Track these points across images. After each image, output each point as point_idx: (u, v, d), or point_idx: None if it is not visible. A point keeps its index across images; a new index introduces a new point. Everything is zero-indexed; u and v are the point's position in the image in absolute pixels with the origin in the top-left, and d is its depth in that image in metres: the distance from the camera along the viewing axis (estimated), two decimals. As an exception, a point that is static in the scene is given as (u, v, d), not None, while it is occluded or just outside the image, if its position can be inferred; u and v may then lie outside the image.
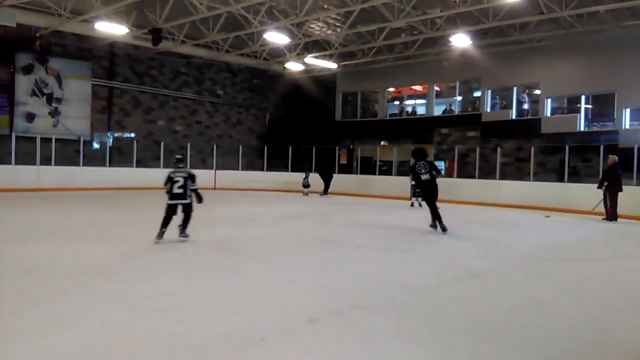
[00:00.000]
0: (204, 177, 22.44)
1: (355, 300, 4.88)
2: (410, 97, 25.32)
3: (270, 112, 27.69)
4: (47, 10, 16.93)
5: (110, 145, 21.54)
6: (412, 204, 16.14)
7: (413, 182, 16.50)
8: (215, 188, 22.04)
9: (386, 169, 21.80)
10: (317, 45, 21.62)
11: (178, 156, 8.62)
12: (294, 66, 23.71)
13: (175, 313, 4.33)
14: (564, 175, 17.00)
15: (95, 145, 21.20)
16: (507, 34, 18.66)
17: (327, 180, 20.16)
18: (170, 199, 8.03)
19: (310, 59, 22.41)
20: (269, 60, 23.72)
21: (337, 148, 23.21)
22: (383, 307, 4.79)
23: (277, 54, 22.86)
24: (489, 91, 21.78)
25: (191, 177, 8.14)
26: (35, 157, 18.27)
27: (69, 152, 19.67)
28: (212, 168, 22.77)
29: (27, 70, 19.09)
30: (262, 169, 23.89)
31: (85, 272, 5.74)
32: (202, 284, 5.40)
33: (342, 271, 6.35)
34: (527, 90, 20.93)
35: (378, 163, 22.05)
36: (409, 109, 25.12)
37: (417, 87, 24.77)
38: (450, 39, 18.38)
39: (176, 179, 8.03)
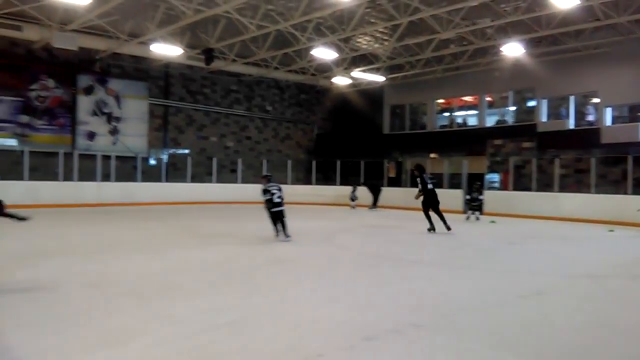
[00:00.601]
0: (253, 191, 22.80)
1: (412, 318, 4.75)
2: (460, 108, 24.85)
3: (318, 127, 27.91)
4: (106, 33, 17.86)
5: (166, 161, 22.31)
6: (467, 218, 15.72)
7: (468, 197, 16.13)
8: (282, 205, 22.29)
9: (437, 182, 21.33)
10: (364, 59, 21.66)
11: (268, 174, 11.30)
12: (341, 80, 23.85)
13: (232, 328, 4.36)
14: (626, 187, 16.08)
15: (152, 162, 22.01)
16: (562, 42, 18.03)
17: (375, 194, 20.00)
18: (273, 207, 10.08)
19: (357, 73, 22.47)
20: (316, 76, 23.98)
21: (385, 161, 23.01)
22: (442, 326, 4.64)
23: (325, 69, 23.07)
24: (545, 100, 21.04)
25: (280, 189, 10.30)
26: (96, 173, 19.18)
27: (128, 168, 20.52)
28: (262, 182, 23.04)
29: (88, 91, 20.16)
30: (311, 183, 24.02)
31: (146, 286, 5.91)
32: (257, 299, 5.43)
33: (397, 287, 6.22)
34: (589, 100, 20.05)
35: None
36: (460, 120, 24.64)
37: (468, 98, 24.28)
38: (502, 48, 17.95)
39: (273, 191, 10.15)
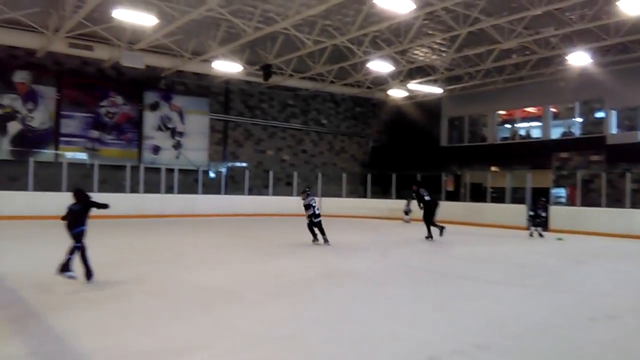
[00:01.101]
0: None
1: (477, 339, 4.57)
2: (523, 120, 23.96)
3: (373, 140, 27.80)
4: (171, 52, 18.70)
5: (225, 174, 22.94)
6: (530, 234, 15.05)
7: (532, 212, 15.47)
8: (321, 215, 22.37)
9: (498, 196, 20.62)
10: (421, 71, 21.41)
11: (307, 189, 12.53)
12: (397, 93, 23.69)
13: (290, 341, 4.36)
14: None
15: (212, 175, 22.69)
16: (632, 50, 17.04)
17: (432, 208, 19.53)
18: (316, 218, 11.54)
19: (414, 85, 22.23)
20: (372, 89, 23.96)
21: (443, 174, 22.52)
22: (508, 348, 4.43)
23: (380, 82, 23.01)
24: (614, 111, 19.92)
25: (315, 201, 11.81)
26: (160, 186, 20.00)
27: (189, 181, 21.25)
28: (317, 195, 23.23)
29: (154, 107, 21.13)
30: (365, 196, 23.89)
31: (208, 296, 6.04)
32: (314, 312, 5.41)
33: (458, 306, 6.02)
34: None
35: (489, 190, 20.97)
36: (522, 132, 23.77)
37: (531, 109, 23.40)
38: (567, 57, 17.20)
39: (312, 204, 11.59)
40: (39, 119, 18.47)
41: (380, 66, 18.70)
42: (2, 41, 16.86)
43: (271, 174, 22.71)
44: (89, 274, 6.61)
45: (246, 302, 5.84)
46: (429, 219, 13.37)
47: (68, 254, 6.51)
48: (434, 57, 19.63)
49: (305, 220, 11.76)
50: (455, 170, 24.69)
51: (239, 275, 7.71)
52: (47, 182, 17.71)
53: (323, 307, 5.69)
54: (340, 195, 23.54)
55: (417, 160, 24.06)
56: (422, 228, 17.99)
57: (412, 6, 12.50)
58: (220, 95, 22.86)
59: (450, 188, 23.43)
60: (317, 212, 11.56)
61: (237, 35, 16.39)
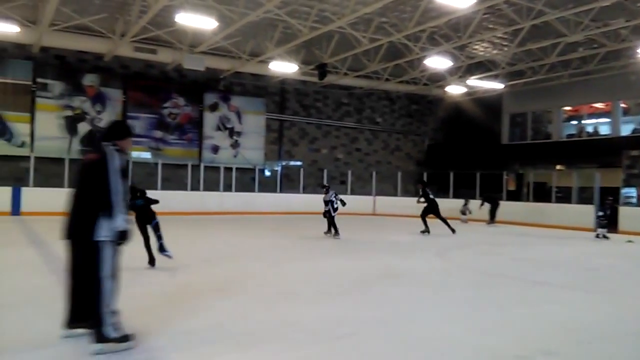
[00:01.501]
0: (363, 202, 22.80)
1: (542, 345, 4.38)
2: (590, 116, 22.76)
3: (429, 138, 27.30)
4: (230, 54, 19.18)
5: (281, 172, 23.28)
6: (597, 236, 14.28)
7: (600, 213, 14.68)
8: (374, 214, 22.29)
9: (563, 196, 19.66)
10: (481, 66, 20.79)
11: (326, 185, 14.20)
12: (455, 89, 23.12)
13: (350, 340, 4.36)
14: None
15: (267, 173, 23.11)
16: None
17: (493, 208, 18.95)
18: (335, 213, 12.60)
19: (473, 81, 21.62)
20: (428, 86, 23.52)
21: (504, 173, 21.74)
22: (576, 355, 4.22)
23: (438, 79, 22.54)
24: (694, 105, 18.50)
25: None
26: (219, 184, 20.60)
27: (246, 179, 21.75)
28: (371, 194, 23.11)
29: (213, 108, 21.76)
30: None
31: (270, 293, 6.15)
32: (373, 312, 5.38)
33: (523, 310, 5.80)
34: None
35: (554, 189, 20.04)
36: (590, 129, 22.56)
37: (599, 105, 22.16)
38: (638, 50, 16.14)
39: (334, 199, 12.68)
40: (107, 120, 19.47)
41: (437, 62, 18.32)
42: (73, 46, 17.94)
43: (325, 172, 22.82)
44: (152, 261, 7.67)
45: (306, 300, 5.90)
46: (426, 214, 14.65)
47: (158, 240, 7.62)
48: (494, 51, 19.00)
49: (332, 214, 12.67)
50: (517, 169, 23.80)
51: (296, 273, 7.80)
52: (114, 180, 18.63)
53: (381, 307, 5.65)
54: (394, 194, 23.28)
55: (477, 159, 23.37)
56: (481, 228, 17.55)
57: (472, 0, 12.15)
58: (276, 95, 23.20)
59: (512, 187, 22.61)
60: (335, 206, 12.60)
61: (293, 35, 16.57)
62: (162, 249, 7.66)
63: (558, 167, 22.40)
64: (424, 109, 27.06)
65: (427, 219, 14.60)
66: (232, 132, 22.10)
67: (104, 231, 3.74)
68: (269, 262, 8.65)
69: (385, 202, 22.42)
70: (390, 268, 8.40)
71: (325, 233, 12.81)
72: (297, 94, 23.66)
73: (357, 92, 24.44)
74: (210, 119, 21.64)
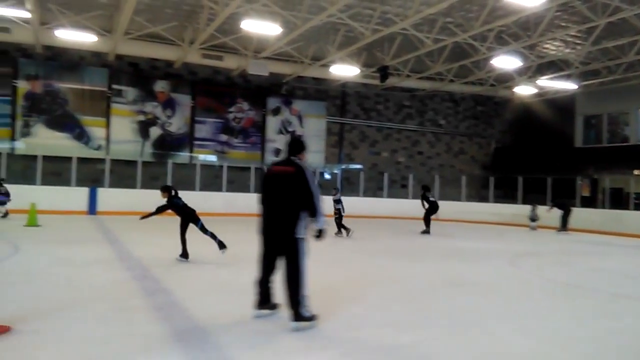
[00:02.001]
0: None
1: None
2: (674, 117, 21.09)
3: (495, 140, 26.38)
4: (292, 59, 19.45)
5: (341, 176, 23.30)
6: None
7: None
8: (437, 219, 21.71)
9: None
10: (552, 66, 19.82)
11: (336, 187, 14.88)
12: (524, 90, 22.19)
13: (414, 349, 4.24)
14: None
15: (327, 176, 23.19)
16: None
17: (565, 215, 17.95)
18: (343, 211, 13.29)
19: (544, 81, 20.66)
20: (495, 86, 22.74)
21: (577, 178, 20.56)
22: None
23: (505, 79, 21.73)
24: None
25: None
26: (280, 186, 20.89)
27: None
28: (436, 197, 22.54)
29: (275, 112, 22.15)
30: (487, 200, 22.68)
31: (329, 296, 6.10)
32: (439, 321, 5.21)
33: (601, 324, 5.42)
34: None
35: (631, 195, 18.72)
36: (673, 132, 20.92)
37: (685, 105, 20.49)
38: None
39: (340, 198, 13.37)
40: (176, 124, 20.33)
41: (505, 62, 17.67)
42: (146, 54, 18.87)
43: (386, 176, 22.59)
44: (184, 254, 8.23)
45: (368, 304, 5.81)
46: (429, 216, 15.21)
47: (214, 238, 8.24)
48: (567, 50, 18.06)
49: (342, 214, 13.19)
50: (591, 174, 22.45)
51: (358, 277, 7.73)
52: (182, 181, 19.42)
53: (448, 316, 5.46)
54: (458, 199, 22.63)
55: (547, 163, 22.29)
56: (551, 236, 16.67)
57: (543, -3, 11.61)
58: (337, 99, 23.26)
59: (586, 193, 21.35)
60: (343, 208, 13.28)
61: (354, 38, 16.55)
62: (221, 245, 8.28)
63: (636, 172, 20.90)
64: (490, 111, 26.19)
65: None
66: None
67: (302, 230, 4.59)
68: (328, 264, 8.62)
69: (449, 207, 21.78)
70: (456, 275, 8.14)
71: (337, 234, 13.01)
72: (358, 97, 23.61)
73: (419, 94, 24.04)
74: (272, 123, 22.03)
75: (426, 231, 14.81)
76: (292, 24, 15.02)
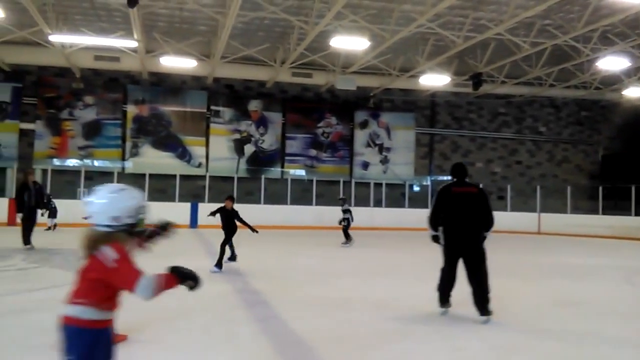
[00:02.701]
0: (526, 220, 21.06)
1: None
2: None
3: (603, 147, 24.32)
4: (379, 71, 19.40)
5: (431, 187, 22.69)
6: None
7: None
8: (539, 232, 20.41)
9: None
10: (668, 64, 17.93)
11: (343, 197, 15.61)
12: (634, 92, 20.26)
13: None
14: None
15: (416, 188, 22.70)
16: None
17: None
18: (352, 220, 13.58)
19: (657, 82, 18.74)
20: (601, 89, 21.01)
21: None
22: None
23: (612, 81, 20.03)
24: None
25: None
26: (370, 199, 20.82)
27: (396, 195, 21.65)
28: (535, 211, 21.22)
29: (363, 125, 22.18)
30: (596, 212, 20.86)
31: (427, 313, 5.89)
32: (551, 343, 4.80)
33: None
34: None
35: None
36: None
37: None
38: None
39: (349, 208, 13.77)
40: (268, 141, 21.06)
41: (612, 63, 16.34)
42: (240, 75, 19.84)
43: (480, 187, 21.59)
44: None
45: (467, 321, 5.52)
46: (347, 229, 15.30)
47: (233, 251, 8.66)
48: (685, 45, 16.25)
49: (351, 222, 13.48)
50: None
51: (456, 293, 7.40)
52: (274, 196, 20.07)
53: (559, 339, 5.01)
54: (564, 211, 21.04)
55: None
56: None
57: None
58: (426, 109, 22.80)
59: None
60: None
61: (445, 47, 16.16)
62: (232, 258, 8.63)
63: None
64: (596, 116, 24.24)
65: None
66: (381, 148, 22.25)
67: (483, 242, 5.53)
68: (426, 279, 8.34)
69: (553, 220, 20.38)
70: (566, 294, 7.51)
71: (344, 244, 13.29)
72: (449, 106, 22.96)
73: (516, 100, 22.85)
74: (360, 136, 22.07)
75: (348, 243, 13.53)
76: (381, 37, 14.99)
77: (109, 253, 2.20)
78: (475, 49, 17.14)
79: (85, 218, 2.39)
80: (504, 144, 23.53)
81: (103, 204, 2.31)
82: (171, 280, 2.26)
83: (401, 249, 13.96)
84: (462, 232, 5.52)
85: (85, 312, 2.20)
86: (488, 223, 5.57)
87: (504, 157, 23.55)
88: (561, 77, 19.60)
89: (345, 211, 13.63)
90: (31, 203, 10.72)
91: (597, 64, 16.76)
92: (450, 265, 5.59)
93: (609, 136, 24.38)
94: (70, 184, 18.56)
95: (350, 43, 14.42)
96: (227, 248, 8.54)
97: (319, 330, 5.05)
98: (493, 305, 5.42)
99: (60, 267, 8.52)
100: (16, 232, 14.22)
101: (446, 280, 5.62)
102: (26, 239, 10.58)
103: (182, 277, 2.29)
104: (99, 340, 2.24)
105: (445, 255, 5.62)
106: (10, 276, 7.69)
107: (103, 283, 2.22)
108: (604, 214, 20.37)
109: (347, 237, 13.49)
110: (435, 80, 18.71)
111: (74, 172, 18.80)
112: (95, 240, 2.25)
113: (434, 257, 10.69)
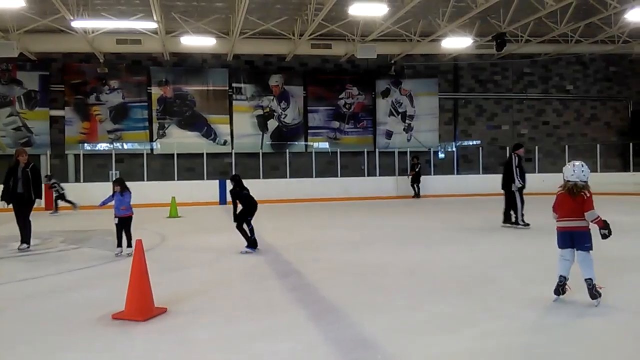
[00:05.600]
0: (554, 181, 20.79)
1: None
2: None
3: (634, 102, 23.56)
4: (399, 37, 19.07)
5: (456, 153, 22.51)
6: None
7: None
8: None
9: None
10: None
11: None
12: (667, 43, 19.47)
13: (560, 337, 4.01)
14: None
15: (441, 155, 22.53)
16: None
17: None
18: None
19: (692, 30, 17.92)
20: (630, 43, 20.22)
21: None
22: None
23: (642, 34, 19.25)
24: None
25: None
26: (395, 168, 20.83)
27: (421, 162, 21.53)
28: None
29: (385, 94, 21.97)
30: (626, 170, 20.42)
31: (460, 277, 6.01)
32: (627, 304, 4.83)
33: None
34: None
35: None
36: None
37: None
38: None
39: None
40: (291, 115, 21.11)
41: (642, 14, 15.61)
42: (260, 51, 19.79)
43: (508, 150, 21.27)
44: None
45: (500, 285, 5.61)
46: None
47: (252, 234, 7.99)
48: None
49: None
50: None
51: (487, 256, 7.48)
52: (299, 170, 20.26)
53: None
54: (593, 170, 20.53)
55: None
56: None
57: None
58: (449, 74, 22.41)
59: None
60: None
61: (466, 7, 15.74)
62: (253, 244, 7.94)
63: None
64: (625, 71, 23.44)
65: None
66: (404, 117, 22.06)
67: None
68: (457, 244, 8.43)
69: (582, 180, 19.99)
70: (606, 251, 7.47)
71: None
72: (472, 70, 22.50)
73: (541, 59, 22.22)
74: (382, 105, 21.91)
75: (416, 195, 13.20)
76: (399, 2, 14.71)
77: None
78: (498, 8, 16.65)
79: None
80: (530, 104, 23.03)
81: None
82: None
83: (429, 215, 14.00)
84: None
85: None
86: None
87: (531, 118, 23.09)
88: (587, 32, 18.92)
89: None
90: (17, 189, 8.37)
91: (625, 16, 16.08)
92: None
93: (639, 91, 23.58)
94: (102, 167, 19.09)
95: (368, 9, 14.21)
96: (245, 226, 7.95)
97: (354, 296, 5.22)
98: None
99: (99, 247, 8.90)
100: (55, 217, 14.90)
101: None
102: (24, 236, 8.42)
103: None
104: None
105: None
106: (51, 258, 8.09)
107: None
108: (635, 171, 19.92)
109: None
110: (457, 43, 18.31)
111: (105, 156, 19.30)
112: None
113: (462, 223, 10.77)
